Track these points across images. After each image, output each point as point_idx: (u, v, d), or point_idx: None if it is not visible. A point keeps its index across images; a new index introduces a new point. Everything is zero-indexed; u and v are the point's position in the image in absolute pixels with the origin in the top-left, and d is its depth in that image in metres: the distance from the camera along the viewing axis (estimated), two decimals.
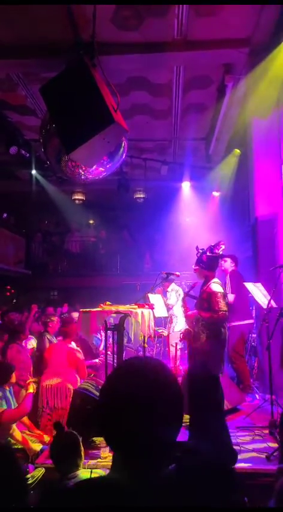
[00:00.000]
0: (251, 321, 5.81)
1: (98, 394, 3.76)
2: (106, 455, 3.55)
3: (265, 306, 4.49)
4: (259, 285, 4.89)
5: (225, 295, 4.46)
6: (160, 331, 6.53)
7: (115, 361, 4.48)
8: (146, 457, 0.90)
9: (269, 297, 4.54)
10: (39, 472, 3.38)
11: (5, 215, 12.69)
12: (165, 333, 6.62)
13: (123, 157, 5.09)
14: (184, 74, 6.73)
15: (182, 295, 5.54)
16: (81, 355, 4.76)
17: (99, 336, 5.90)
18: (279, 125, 5.93)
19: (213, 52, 5.91)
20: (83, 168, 4.75)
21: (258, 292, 4.77)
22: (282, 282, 4.72)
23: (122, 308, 4.38)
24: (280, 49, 5.26)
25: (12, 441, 3.66)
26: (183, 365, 6.03)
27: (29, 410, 3.82)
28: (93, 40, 4.12)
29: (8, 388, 3.88)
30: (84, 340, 5.48)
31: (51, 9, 5.03)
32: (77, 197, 12.52)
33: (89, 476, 2.35)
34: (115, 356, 4.44)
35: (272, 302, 4.48)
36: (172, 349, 6.13)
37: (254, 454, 3.61)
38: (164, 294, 6.72)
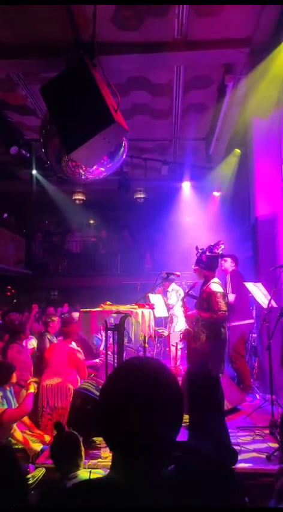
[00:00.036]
0: (251, 321, 5.81)
1: (98, 394, 3.76)
2: (106, 455, 3.55)
3: (265, 306, 4.49)
4: (259, 284, 4.89)
5: (224, 295, 4.45)
6: (160, 331, 6.53)
7: (115, 361, 4.47)
8: (146, 457, 0.90)
9: (269, 297, 4.54)
10: (39, 472, 3.38)
11: (5, 215, 12.70)
12: (166, 333, 6.62)
13: (124, 157, 5.10)
14: (184, 73, 6.73)
15: (182, 295, 5.54)
16: (81, 355, 4.76)
17: (99, 336, 5.90)
18: (280, 124, 5.92)
19: (213, 52, 5.91)
20: (83, 168, 4.75)
21: (259, 292, 4.77)
22: (282, 282, 4.72)
23: (122, 308, 4.38)
24: (280, 49, 5.26)
25: (13, 441, 3.66)
26: (183, 365, 6.03)
27: (30, 410, 3.82)
28: (93, 40, 4.12)
29: (8, 388, 3.88)
30: (85, 340, 5.48)
31: (51, 9, 5.03)
32: (77, 197, 12.53)
33: (88, 477, 2.35)
34: (115, 356, 4.44)
35: (272, 302, 4.48)
36: (172, 349, 6.13)
37: (255, 454, 3.61)
38: (164, 294, 6.72)
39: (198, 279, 4.79)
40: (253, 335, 6.34)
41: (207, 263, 4.48)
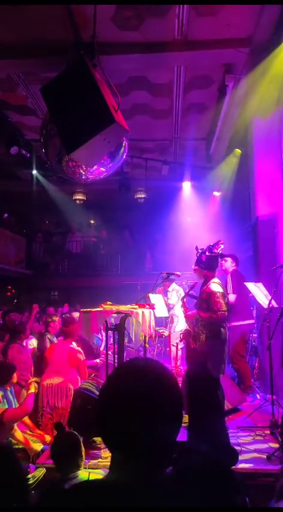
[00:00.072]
0: (252, 321, 5.80)
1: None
2: (107, 456, 3.54)
3: (266, 306, 4.49)
4: (260, 284, 4.89)
5: (224, 295, 4.44)
6: (161, 331, 6.53)
7: (116, 361, 4.47)
8: (146, 457, 0.90)
9: (270, 297, 4.54)
10: (40, 472, 3.38)
11: (5, 215, 12.71)
12: (166, 333, 6.62)
13: (124, 157, 5.09)
14: (184, 73, 6.73)
15: (183, 295, 5.53)
16: (82, 356, 4.76)
17: (100, 336, 5.90)
18: (280, 124, 5.92)
19: (213, 52, 5.92)
20: (84, 168, 4.74)
21: (259, 292, 4.77)
22: (282, 282, 4.71)
23: (122, 308, 4.38)
24: (280, 49, 5.26)
25: (13, 441, 3.66)
26: (184, 365, 6.03)
27: (31, 410, 3.82)
28: (93, 40, 4.12)
29: (9, 388, 3.89)
30: (85, 340, 5.48)
31: (52, 9, 5.04)
32: (77, 197, 12.54)
33: (88, 477, 2.35)
34: (116, 356, 4.44)
35: (273, 302, 4.48)
36: (173, 349, 6.13)
37: (255, 455, 3.61)
38: (165, 293, 6.71)
39: (198, 279, 4.79)
40: (254, 335, 6.34)
41: (207, 263, 4.47)
